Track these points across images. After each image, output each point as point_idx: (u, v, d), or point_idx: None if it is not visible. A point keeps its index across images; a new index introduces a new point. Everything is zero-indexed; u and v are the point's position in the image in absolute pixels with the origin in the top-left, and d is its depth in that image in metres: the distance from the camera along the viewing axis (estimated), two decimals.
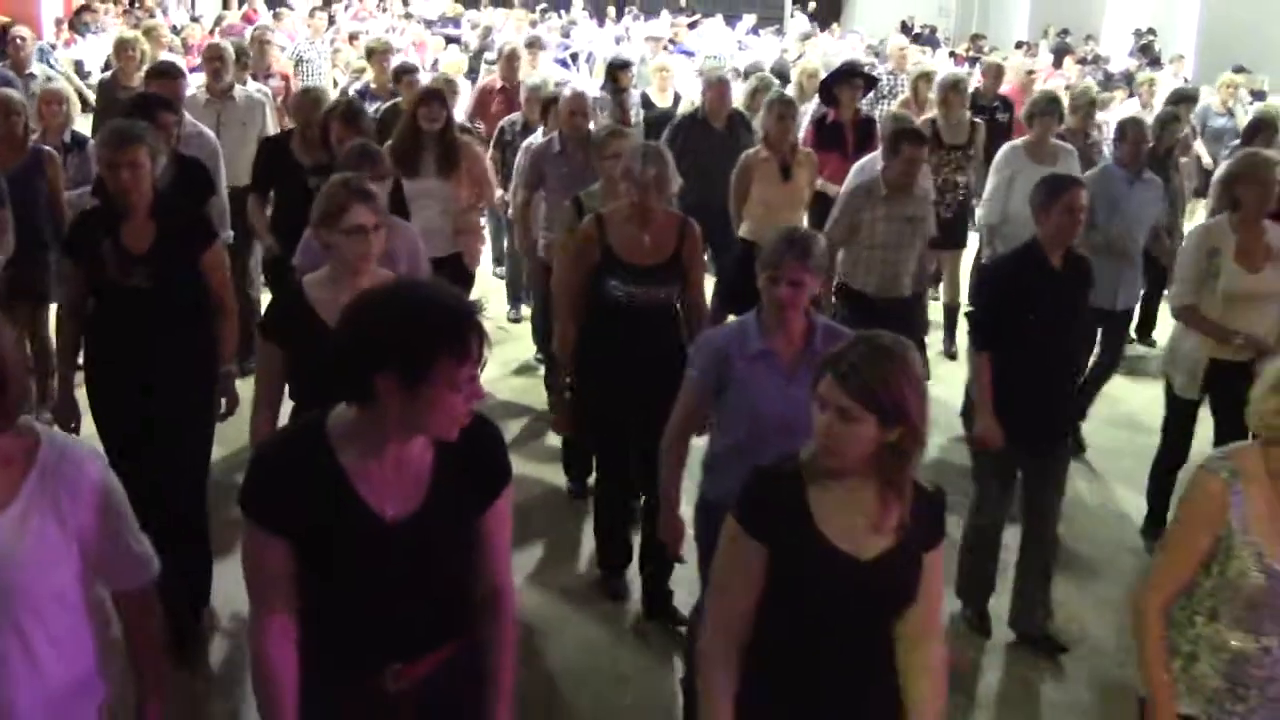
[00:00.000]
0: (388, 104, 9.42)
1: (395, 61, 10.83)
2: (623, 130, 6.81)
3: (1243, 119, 12.17)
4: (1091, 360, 7.72)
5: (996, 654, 5.66)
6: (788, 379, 4.21)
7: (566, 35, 21.74)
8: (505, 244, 10.55)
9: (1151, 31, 27.35)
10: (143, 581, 3.00)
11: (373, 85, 10.90)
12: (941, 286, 9.86)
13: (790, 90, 12.13)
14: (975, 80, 12.21)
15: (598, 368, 5.62)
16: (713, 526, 4.39)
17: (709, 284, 6.62)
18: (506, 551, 3.08)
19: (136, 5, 23.30)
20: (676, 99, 11.77)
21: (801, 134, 9.28)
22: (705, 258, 9.20)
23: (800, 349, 4.29)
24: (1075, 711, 5.32)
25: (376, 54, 11.10)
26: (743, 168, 8.11)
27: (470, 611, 3.01)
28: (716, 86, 9.58)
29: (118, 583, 2.98)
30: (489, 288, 10.56)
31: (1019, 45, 26.46)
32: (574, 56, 19.51)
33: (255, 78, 10.73)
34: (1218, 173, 7.13)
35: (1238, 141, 9.82)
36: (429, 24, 22.51)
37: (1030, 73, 15.39)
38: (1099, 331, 7.72)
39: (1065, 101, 9.74)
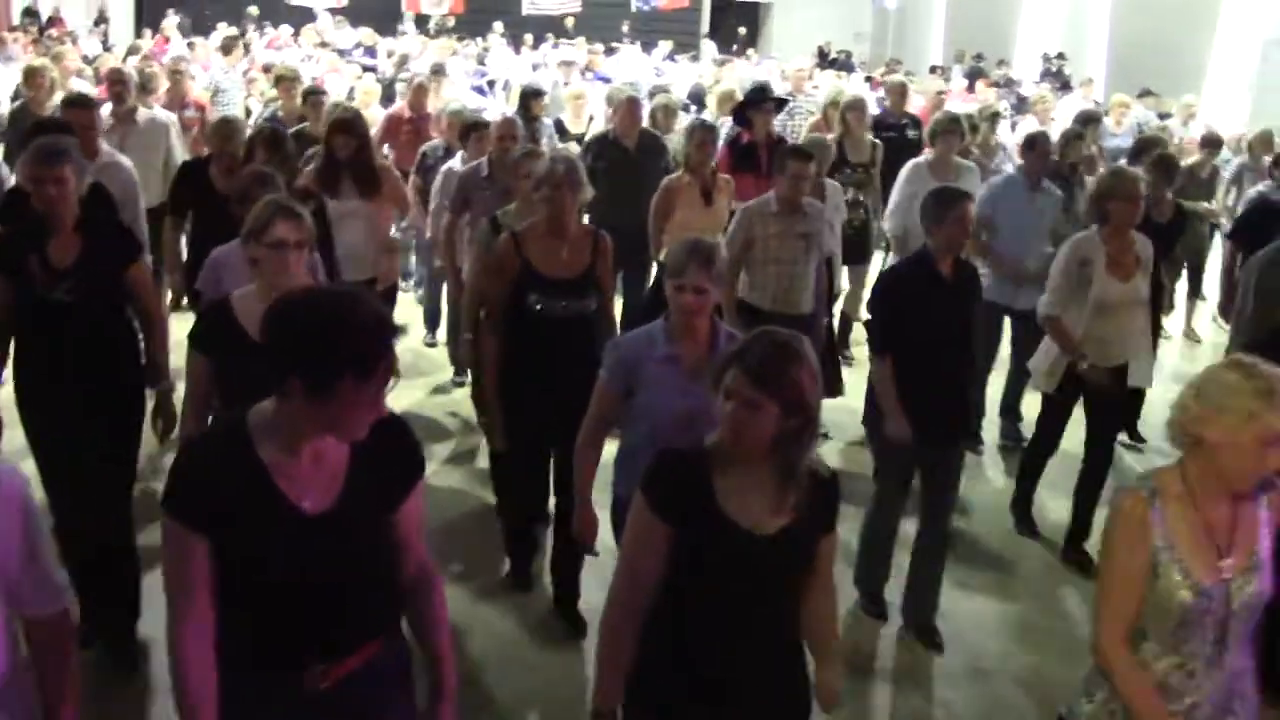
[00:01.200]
0: (296, 128, 9.44)
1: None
2: (538, 150, 7.00)
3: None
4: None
5: (889, 639, 6.04)
6: (692, 381, 4.35)
7: (482, 62, 21.77)
8: (423, 268, 10.52)
9: (1061, 56, 27.86)
10: (58, 607, 2.95)
11: (280, 113, 10.89)
12: (842, 297, 9.99)
13: (707, 114, 12.30)
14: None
15: (521, 381, 5.73)
16: (622, 522, 4.63)
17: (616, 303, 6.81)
18: (422, 537, 3.16)
19: (46, 34, 23.04)
20: (591, 125, 11.83)
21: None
22: (617, 276, 9.37)
23: (705, 353, 4.44)
24: (963, 685, 5.69)
25: (285, 81, 11.20)
26: (665, 192, 8.20)
27: (393, 609, 3.08)
28: (626, 106, 9.69)
29: (33, 606, 2.90)
30: (407, 312, 10.57)
31: (933, 70, 26.89)
32: (490, 84, 19.53)
33: (171, 107, 10.66)
34: (1089, 188, 7.51)
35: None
36: (343, 53, 22.42)
37: (941, 93, 15.68)
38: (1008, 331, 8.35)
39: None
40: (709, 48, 30.40)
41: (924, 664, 5.82)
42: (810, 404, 3.16)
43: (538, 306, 5.58)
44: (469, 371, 7.77)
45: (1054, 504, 7.34)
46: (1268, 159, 10.78)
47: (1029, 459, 7.27)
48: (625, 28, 31.68)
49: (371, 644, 3.00)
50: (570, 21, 30.03)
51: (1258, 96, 23.28)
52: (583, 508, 4.88)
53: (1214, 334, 11.56)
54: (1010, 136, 13.21)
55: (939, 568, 6.02)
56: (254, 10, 28.76)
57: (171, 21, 24.98)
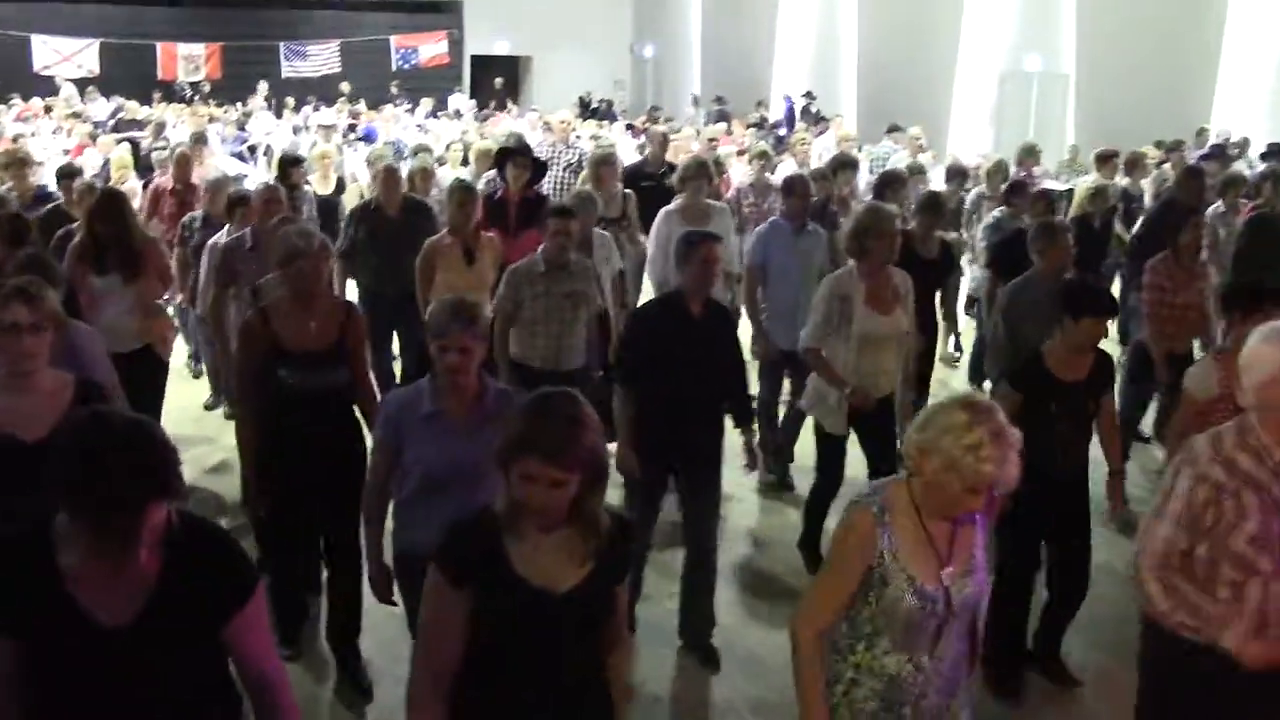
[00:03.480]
0: (50, 207, 9.25)
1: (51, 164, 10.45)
2: (292, 218, 6.93)
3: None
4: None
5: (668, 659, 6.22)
6: (459, 437, 4.49)
7: (243, 128, 21.50)
8: (196, 341, 10.38)
9: (809, 94, 28.82)
10: None
11: (14, 196, 10.38)
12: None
13: (468, 171, 12.39)
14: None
15: (276, 454, 5.71)
16: (404, 575, 4.75)
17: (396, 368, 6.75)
18: (268, 653, 3.07)
19: None
20: (340, 186, 11.82)
21: None
22: (394, 343, 9.38)
23: (472, 409, 4.57)
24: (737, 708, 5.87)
25: (13, 167, 10.57)
26: (426, 254, 8.20)
27: None
28: (384, 175, 9.65)
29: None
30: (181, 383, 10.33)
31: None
32: (251, 149, 19.32)
33: None
34: (846, 225, 7.65)
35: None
36: (99, 124, 21.88)
37: (712, 140, 16.07)
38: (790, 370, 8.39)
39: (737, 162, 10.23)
40: (459, 101, 30.71)
41: (726, 694, 5.96)
42: (604, 462, 3.20)
43: (288, 381, 5.56)
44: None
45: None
46: (1004, 187, 11.27)
47: (815, 499, 7.24)
48: (395, 88, 31.75)
49: None
50: (346, 86, 29.92)
51: (998, 127, 24.52)
52: (373, 566, 4.91)
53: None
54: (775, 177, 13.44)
55: (709, 584, 6.24)
56: None
57: None
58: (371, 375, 6.44)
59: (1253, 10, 20.61)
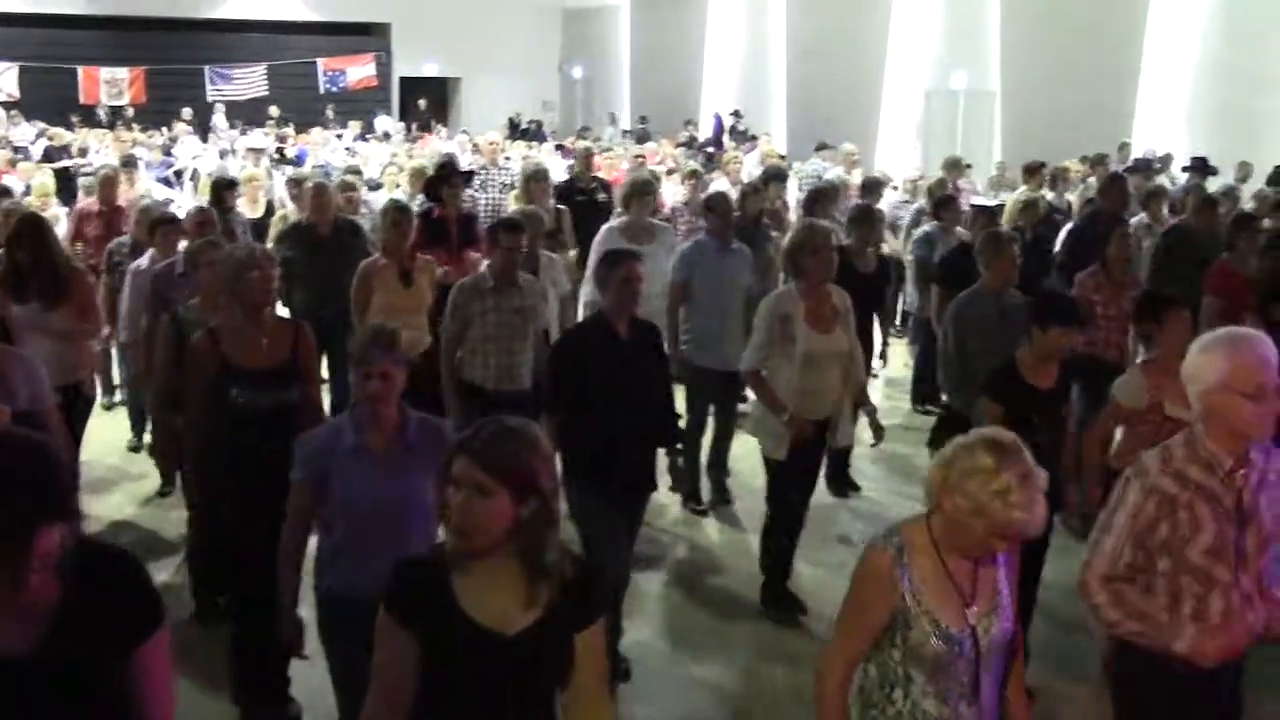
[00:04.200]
0: None
1: None
2: (215, 241, 6.82)
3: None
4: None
5: None
6: (384, 470, 4.39)
7: (169, 153, 21.25)
8: (125, 371, 10.20)
9: (737, 114, 28.99)
10: None
11: None
12: None
13: (400, 192, 12.35)
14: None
15: (227, 477, 5.55)
16: (329, 619, 4.59)
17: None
18: (167, 700, 2.90)
19: None
20: (270, 209, 11.73)
21: None
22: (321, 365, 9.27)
23: (395, 441, 4.47)
24: None
25: None
26: (362, 276, 8.08)
27: None
28: (315, 194, 9.56)
29: None
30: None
31: (626, 133, 27.61)
32: (178, 174, 19.11)
33: None
34: (783, 244, 7.52)
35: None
36: (18, 149, 21.52)
37: (639, 157, 16.09)
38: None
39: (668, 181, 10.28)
40: (386, 122, 30.60)
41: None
42: (544, 488, 3.02)
43: (240, 400, 5.46)
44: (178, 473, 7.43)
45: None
46: (934, 201, 11.31)
47: (769, 529, 7.02)
48: (329, 111, 31.56)
49: None
50: (275, 110, 29.70)
51: (925, 143, 24.77)
52: (285, 612, 4.73)
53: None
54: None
55: (615, 602, 6.05)
56: None
57: None
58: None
59: (1171, 29, 20.98)
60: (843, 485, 8.85)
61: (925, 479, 3.47)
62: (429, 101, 35.66)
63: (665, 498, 8.39)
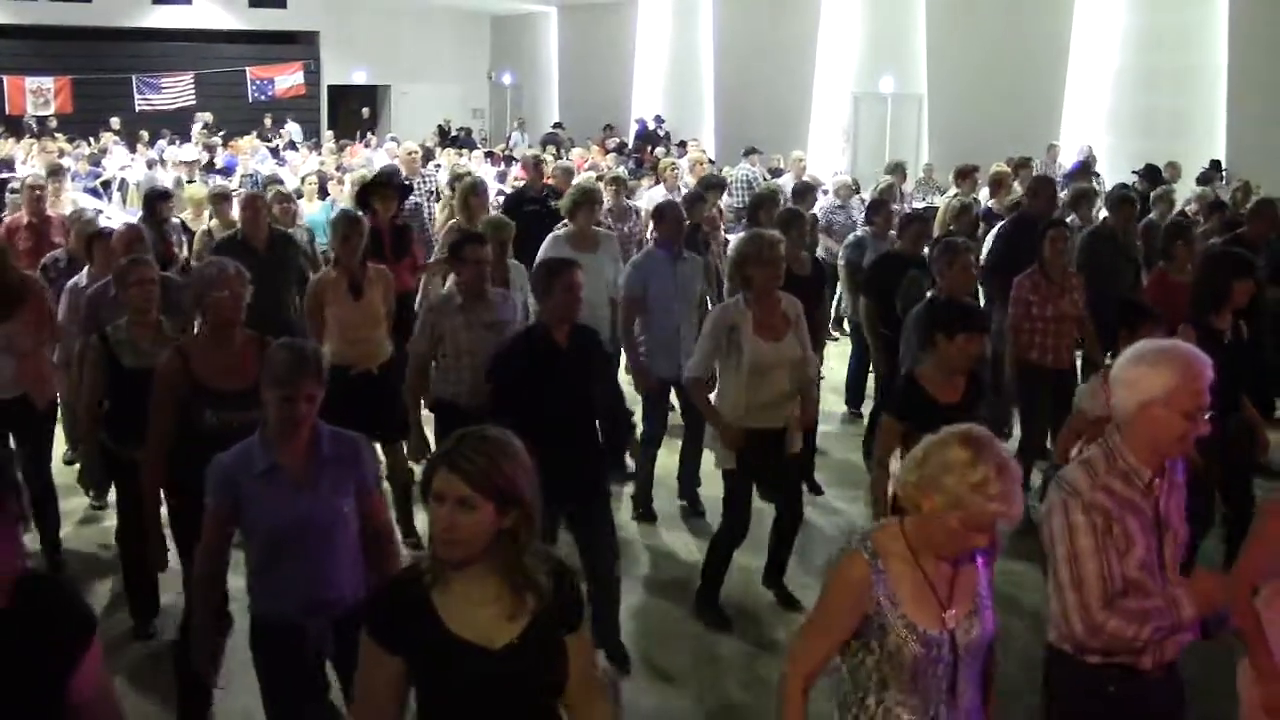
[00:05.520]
0: None
1: None
2: (143, 259, 6.67)
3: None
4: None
5: None
6: (301, 490, 4.30)
7: (97, 164, 21.03)
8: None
9: (659, 119, 29.16)
10: None
11: None
12: None
13: (319, 207, 12.30)
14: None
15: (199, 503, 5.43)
16: (260, 647, 4.48)
17: None
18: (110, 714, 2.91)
19: None
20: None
21: None
22: None
23: (308, 458, 4.37)
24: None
25: None
26: (313, 291, 7.86)
27: None
28: (248, 207, 9.44)
29: None
30: None
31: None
32: (105, 185, 18.91)
33: None
34: (729, 253, 7.48)
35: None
36: None
37: (566, 169, 16.07)
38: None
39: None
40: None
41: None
42: (526, 499, 3.01)
43: (212, 421, 5.33)
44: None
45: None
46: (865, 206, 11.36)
47: (717, 539, 6.94)
48: (269, 121, 31.35)
49: None
50: (207, 117, 29.45)
51: (854, 147, 25.00)
52: (200, 641, 4.60)
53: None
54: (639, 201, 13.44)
55: (613, 602, 6.23)
56: None
57: None
58: None
59: (1095, 34, 21.31)
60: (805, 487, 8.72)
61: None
62: (358, 109, 35.51)
63: (616, 501, 8.41)
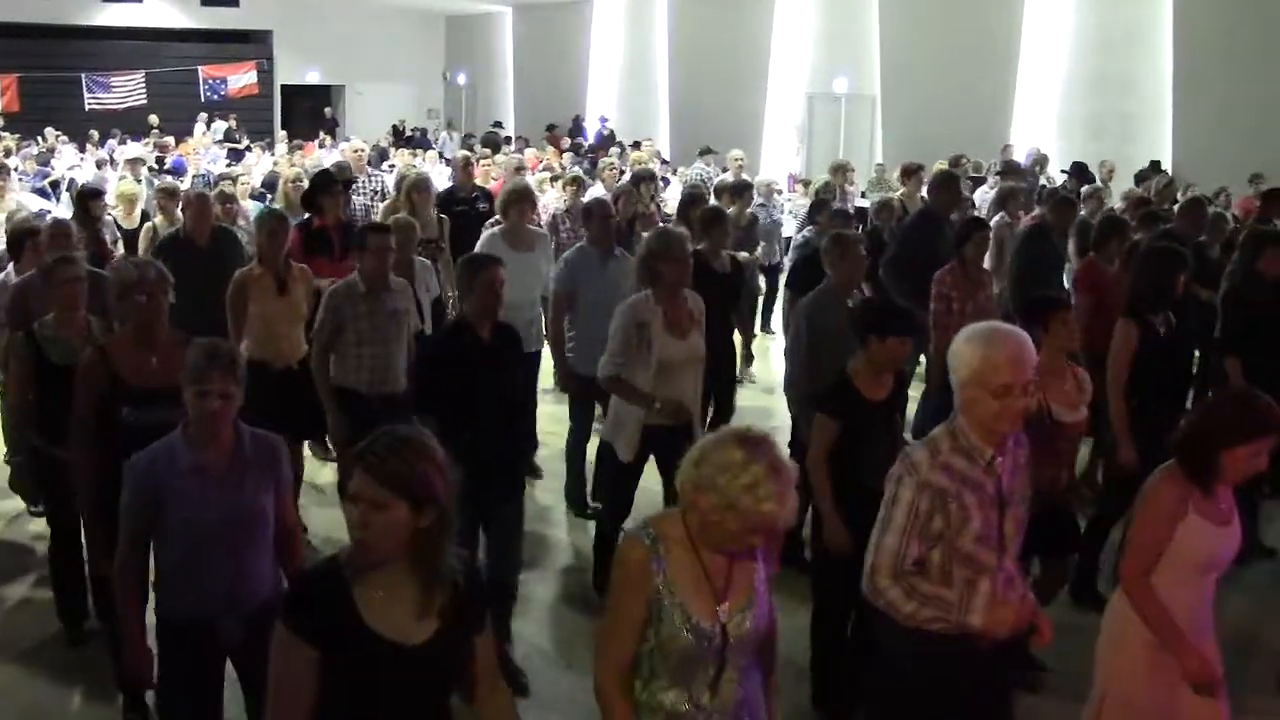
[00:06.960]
0: None
1: None
2: (70, 257, 6.59)
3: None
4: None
5: None
6: (225, 489, 4.28)
7: (45, 164, 20.82)
8: None
9: (603, 119, 29.25)
10: None
11: None
12: None
13: (278, 200, 12.22)
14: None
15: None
16: (168, 647, 4.43)
17: None
18: None
19: None
20: (144, 218, 11.56)
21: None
22: None
23: (233, 458, 4.35)
24: None
25: None
26: (237, 286, 7.86)
27: None
28: (194, 204, 9.40)
29: None
30: None
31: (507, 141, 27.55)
32: (54, 185, 18.73)
33: None
34: (639, 250, 7.37)
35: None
36: None
37: (519, 168, 16.02)
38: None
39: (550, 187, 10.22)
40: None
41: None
42: (441, 499, 3.03)
43: (130, 419, 5.27)
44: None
45: None
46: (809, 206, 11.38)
47: (602, 531, 7.04)
48: (234, 121, 31.12)
49: None
50: (154, 118, 29.20)
51: (809, 147, 25.07)
52: (133, 644, 4.51)
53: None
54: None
55: (508, 606, 6.16)
56: None
57: None
58: None
59: (1045, 37, 21.45)
60: None
61: (677, 482, 3.40)
62: (312, 110, 35.36)
63: (551, 499, 8.43)
